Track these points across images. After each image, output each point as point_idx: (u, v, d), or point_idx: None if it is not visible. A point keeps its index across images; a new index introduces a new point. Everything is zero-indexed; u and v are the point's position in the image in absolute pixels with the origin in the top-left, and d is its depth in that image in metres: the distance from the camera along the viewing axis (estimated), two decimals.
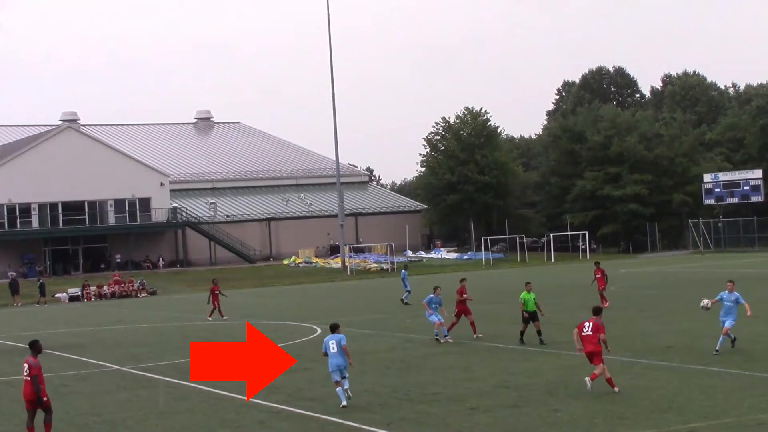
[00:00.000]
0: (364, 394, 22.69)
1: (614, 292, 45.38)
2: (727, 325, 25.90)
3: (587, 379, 21.11)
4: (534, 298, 30.05)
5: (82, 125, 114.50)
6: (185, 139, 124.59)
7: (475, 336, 31.84)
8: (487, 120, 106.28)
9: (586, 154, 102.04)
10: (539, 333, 29.60)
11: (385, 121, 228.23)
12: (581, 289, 46.46)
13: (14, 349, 37.58)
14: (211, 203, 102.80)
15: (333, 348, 21.08)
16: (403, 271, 50.08)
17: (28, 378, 18.28)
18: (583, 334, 21.29)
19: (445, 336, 31.64)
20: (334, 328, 21.42)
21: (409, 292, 46.99)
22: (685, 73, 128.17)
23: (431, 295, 32.13)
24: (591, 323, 21.27)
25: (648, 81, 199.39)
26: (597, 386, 21.05)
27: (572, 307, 39.58)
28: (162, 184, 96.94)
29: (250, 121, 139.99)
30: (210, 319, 45.03)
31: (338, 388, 20.96)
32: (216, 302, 45.34)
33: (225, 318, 44.74)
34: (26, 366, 18.41)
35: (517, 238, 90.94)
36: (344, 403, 20.76)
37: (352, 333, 35.20)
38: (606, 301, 39.50)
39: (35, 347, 18.81)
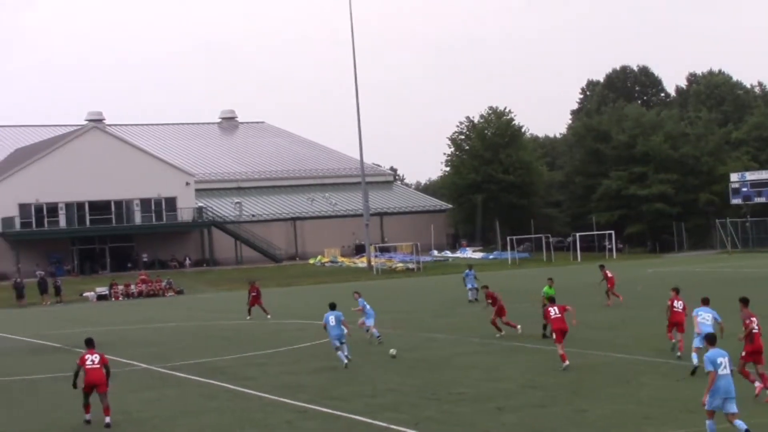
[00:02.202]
0: (390, 393, 22.80)
1: (639, 292, 45.29)
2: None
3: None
4: (554, 294, 31.06)
5: (108, 125, 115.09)
6: (210, 138, 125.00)
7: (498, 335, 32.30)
8: (512, 119, 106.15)
9: (611, 154, 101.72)
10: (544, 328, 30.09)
11: (409, 120, 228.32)
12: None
13: (46, 348, 37.93)
14: (237, 203, 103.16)
15: (333, 322, 27.01)
16: (467, 271, 49.99)
17: (98, 366, 21.07)
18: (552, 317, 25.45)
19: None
20: (333, 306, 27.06)
21: (475, 289, 47.33)
22: (711, 72, 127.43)
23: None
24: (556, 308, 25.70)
25: (673, 80, 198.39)
26: (622, 388, 21.00)
27: (596, 306, 39.57)
28: (187, 184, 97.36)
29: (275, 120, 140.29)
30: (249, 318, 45.18)
31: (339, 353, 26.75)
32: (255, 302, 45.47)
33: (269, 316, 44.74)
34: (93, 357, 21.22)
35: (543, 238, 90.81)
36: (345, 362, 26.46)
37: (378, 332, 35.33)
38: (612, 299, 40.62)
39: (92, 343, 21.83)
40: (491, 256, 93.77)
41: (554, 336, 25.59)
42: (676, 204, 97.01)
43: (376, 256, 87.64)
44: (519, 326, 32.86)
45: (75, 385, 21.41)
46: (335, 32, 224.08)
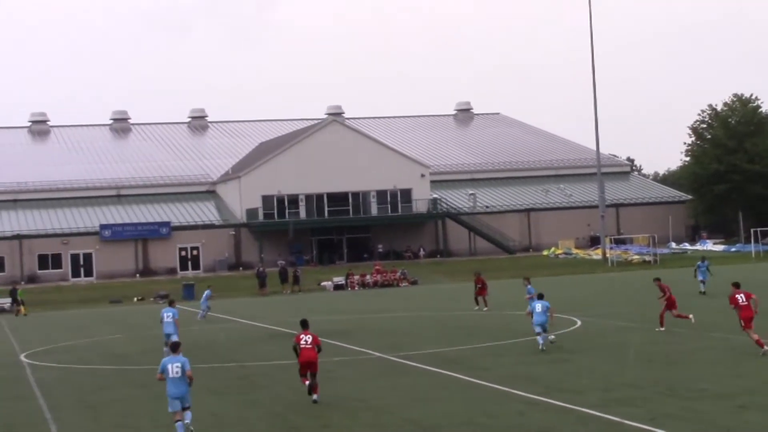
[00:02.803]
0: (625, 387, 22.25)
1: None
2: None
3: None
4: None
5: (346, 118, 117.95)
6: (445, 130, 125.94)
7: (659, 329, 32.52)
8: (758, 106, 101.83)
9: None
10: None
11: (647, 109, 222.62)
12: None
13: (285, 335, 39.21)
14: (471, 194, 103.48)
15: (539, 309, 24.10)
16: (699, 262, 49.09)
17: (310, 346, 22.89)
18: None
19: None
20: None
21: (702, 282, 47.09)
22: None
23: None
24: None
25: None
26: None
27: None
28: (422, 176, 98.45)
29: (510, 111, 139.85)
30: (477, 309, 45.45)
31: (538, 337, 23.39)
32: (481, 293, 45.82)
33: (485, 309, 44.96)
34: (307, 337, 23.09)
35: None
36: (541, 346, 23.92)
37: (613, 325, 34.63)
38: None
39: (307, 324, 23.70)
40: (733, 249, 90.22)
41: (742, 324, 26.49)
42: None
43: (611, 248, 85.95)
44: (691, 316, 32.99)
45: (296, 353, 23.33)
46: (572, 20, 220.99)
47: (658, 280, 35.29)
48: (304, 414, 21.43)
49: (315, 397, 22.28)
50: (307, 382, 22.75)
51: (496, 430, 18.92)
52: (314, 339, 23.02)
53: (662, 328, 32.43)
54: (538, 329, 29.19)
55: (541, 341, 29.15)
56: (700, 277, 47.35)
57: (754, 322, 26.34)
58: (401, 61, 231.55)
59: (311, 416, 21.12)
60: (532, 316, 29.59)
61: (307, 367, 22.75)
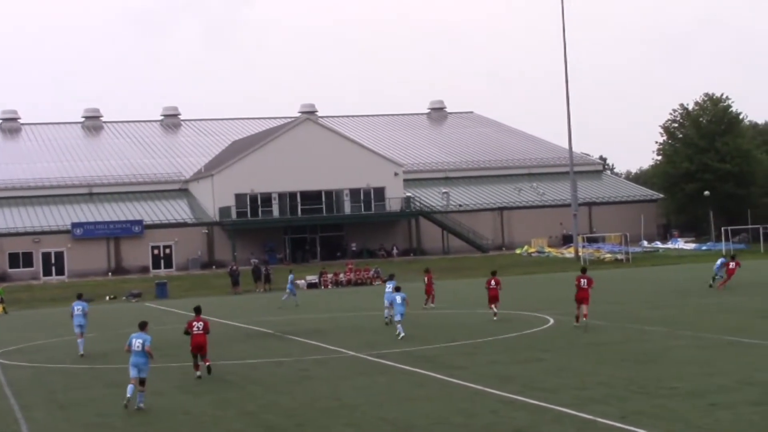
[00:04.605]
0: (600, 386, 22.36)
1: None
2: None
3: None
4: None
5: (320, 117, 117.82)
6: (419, 129, 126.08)
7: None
8: (729, 106, 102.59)
9: None
10: None
11: (619, 109, 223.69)
12: None
13: (258, 334, 39.14)
14: (444, 193, 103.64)
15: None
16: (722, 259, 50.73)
17: (201, 332, 25.96)
18: None
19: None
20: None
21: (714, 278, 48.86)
22: None
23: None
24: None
25: None
26: None
27: None
28: (396, 174, 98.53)
29: (484, 110, 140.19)
30: (426, 306, 46.09)
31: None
32: (428, 291, 46.59)
33: (432, 305, 46.01)
34: (199, 324, 26.08)
35: (761, 229, 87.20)
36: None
37: (587, 325, 34.78)
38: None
39: (199, 310, 26.89)
40: (704, 247, 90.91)
41: (578, 301, 30.37)
42: None
43: (583, 247, 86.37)
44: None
45: (187, 333, 26.41)
46: (545, 19, 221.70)
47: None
48: (279, 413, 21.39)
49: (201, 373, 26.10)
50: (198, 372, 25.98)
51: (470, 429, 18.95)
52: (205, 325, 26.06)
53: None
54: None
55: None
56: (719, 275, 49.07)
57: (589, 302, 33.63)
58: (375, 59, 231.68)
59: (285, 415, 21.09)
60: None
61: (198, 350, 26.05)
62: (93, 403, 24.03)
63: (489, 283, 40.17)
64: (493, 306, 39.40)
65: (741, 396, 20.31)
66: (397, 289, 35.82)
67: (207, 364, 26.47)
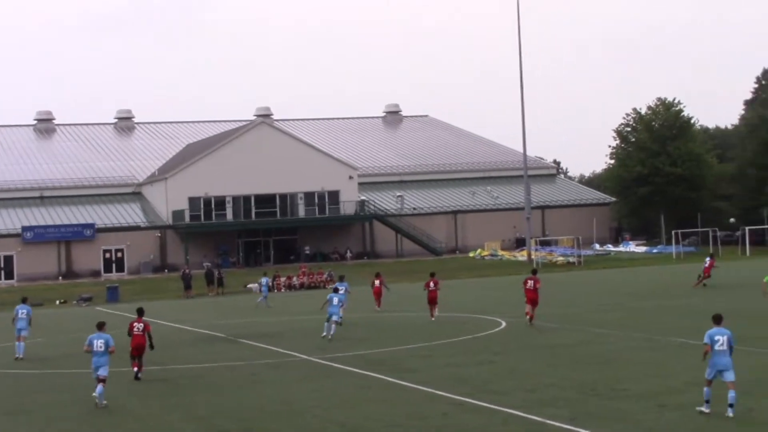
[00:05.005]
0: (550, 388, 22.42)
1: None
2: None
3: None
4: None
5: (275, 120, 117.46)
6: (374, 132, 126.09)
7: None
8: (681, 111, 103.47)
9: None
10: None
11: (573, 113, 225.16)
12: None
13: (210, 338, 38.86)
14: (399, 196, 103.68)
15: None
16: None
17: (141, 333, 26.44)
18: None
19: None
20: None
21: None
22: None
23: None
24: None
25: None
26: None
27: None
28: (351, 177, 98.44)
29: (439, 114, 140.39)
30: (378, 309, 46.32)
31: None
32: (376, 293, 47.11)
33: (378, 309, 46.26)
34: (139, 325, 26.59)
35: (710, 232, 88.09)
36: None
37: (537, 326, 34.93)
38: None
39: (142, 312, 27.31)
40: (655, 250, 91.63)
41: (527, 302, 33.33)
42: None
43: (536, 250, 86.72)
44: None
45: (129, 334, 26.84)
46: (500, 23, 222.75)
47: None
48: (228, 417, 21.24)
49: (139, 375, 26.62)
50: (136, 368, 26.60)
51: (420, 431, 18.93)
52: (146, 326, 26.61)
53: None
54: (335, 318, 34.66)
55: (330, 329, 34.39)
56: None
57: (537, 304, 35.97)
58: (331, 63, 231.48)
59: (235, 419, 20.95)
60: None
61: (137, 350, 26.62)
62: (44, 409, 23.67)
63: (428, 284, 41.05)
64: (432, 307, 40.43)
65: (689, 397, 20.45)
66: (335, 290, 37.18)
67: (135, 369, 26.85)
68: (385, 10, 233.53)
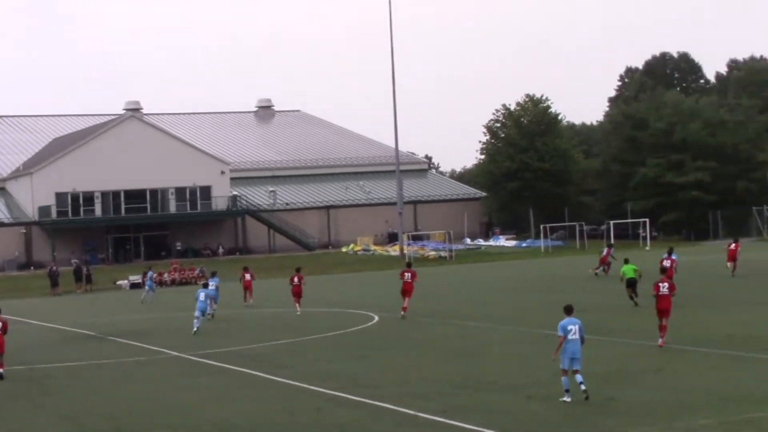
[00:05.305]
0: (422, 381, 22.70)
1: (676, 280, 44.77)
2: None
3: None
4: (634, 269, 36.16)
5: (145, 114, 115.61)
6: (246, 127, 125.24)
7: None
8: (548, 107, 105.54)
9: (648, 141, 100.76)
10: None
11: (444, 108, 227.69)
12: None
13: (79, 336, 38.14)
14: (271, 191, 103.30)
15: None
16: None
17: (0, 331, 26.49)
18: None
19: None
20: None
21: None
22: (752, 58, 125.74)
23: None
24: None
25: (713, 67, 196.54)
26: (654, 377, 20.76)
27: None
28: (222, 173, 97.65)
29: (311, 109, 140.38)
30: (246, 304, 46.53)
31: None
32: (247, 287, 47.24)
33: (250, 302, 46.72)
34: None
35: (577, 226, 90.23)
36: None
37: (409, 320, 35.32)
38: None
39: None
40: (524, 245, 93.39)
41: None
42: (713, 192, 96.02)
43: (408, 245, 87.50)
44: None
45: None
46: (371, 17, 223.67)
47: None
48: (97, 417, 20.90)
49: (1, 371, 26.42)
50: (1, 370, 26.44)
51: (293, 427, 18.98)
52: (4, 324, 26.72)
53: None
54: (197, 313, 35.50)
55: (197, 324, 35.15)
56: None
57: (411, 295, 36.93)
58: (201, 57, 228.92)
59: (103, 418, 20.63)
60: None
61: None
62: None
63: (292, 279, 42.34)
64: (296, 302, 41.52)
65: (555, 389, 20.94)
66: (204, 286, 38.26)
67: (1, 370, 26.52)
68: (256, 3, 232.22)
